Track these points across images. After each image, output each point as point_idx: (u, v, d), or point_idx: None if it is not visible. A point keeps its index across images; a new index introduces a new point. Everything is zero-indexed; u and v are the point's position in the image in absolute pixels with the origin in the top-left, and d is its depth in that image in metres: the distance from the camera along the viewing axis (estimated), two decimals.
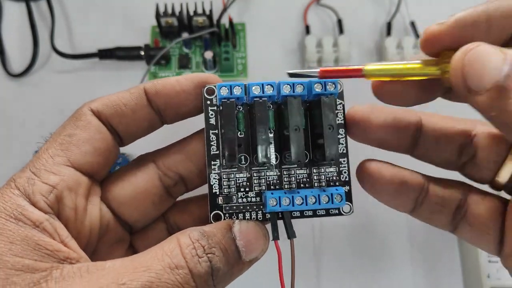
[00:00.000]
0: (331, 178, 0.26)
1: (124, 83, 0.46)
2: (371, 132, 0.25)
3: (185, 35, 0.47)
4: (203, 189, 0.26)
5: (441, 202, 0.25)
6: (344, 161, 0.26)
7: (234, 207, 0.25)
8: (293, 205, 0.23)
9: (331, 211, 0.25)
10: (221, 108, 0.24)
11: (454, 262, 0.40)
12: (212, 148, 0.25)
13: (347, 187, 0.25)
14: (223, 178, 0.25)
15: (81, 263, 0.21)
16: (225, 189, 0.25)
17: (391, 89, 0.24)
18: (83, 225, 0.23)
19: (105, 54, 0.46)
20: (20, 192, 0.21)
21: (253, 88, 0.24)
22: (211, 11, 0.46)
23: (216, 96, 0.25)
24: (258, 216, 0.25)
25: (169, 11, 0.46)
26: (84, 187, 0.24)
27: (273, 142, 0.25)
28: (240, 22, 0.50)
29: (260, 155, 0.24)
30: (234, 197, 0.25)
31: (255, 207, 0.25)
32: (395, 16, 0.49)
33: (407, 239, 0.41)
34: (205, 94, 0.25)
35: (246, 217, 0.24)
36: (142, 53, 0.46)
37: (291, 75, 0.23)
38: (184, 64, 0.47)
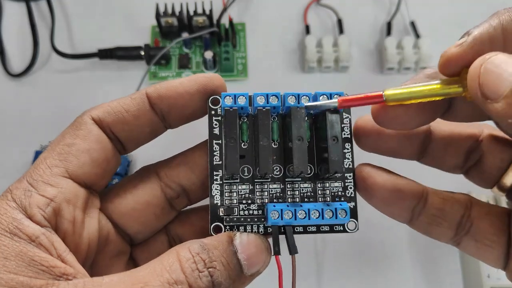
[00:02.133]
0: (336, 193, 0.25)
1: (124, 83, 0.46)
2: (382, 142, 0.25)
3: (185, 35, 0.47)
4: (206, 201, 0.26)
5: (441, 215, 0.24)
6: (350, 176, 0.25)
7: (235, 219, 0.24)
8: (295, 219, 0.23)
9: (336, 228, 0.24)
10: (224, 116, 0.24)
11: (454, 262, 0.40)
12: (215, 159, 0.24)
13: (353, 203, 0.25)
14: (225, 189, 0.24)
15: (77, 279, 0.20)
16: (226, 201, 0.24)
17: (392, 115, 0.23)
18: (81, 238, 0.23)
19: (105, 54, 0.46)
20: (16, 205, 0.21)
21: (258, 98, 0.24)
22: (211, 11, 0.46)
23: (221, 106, 0.24)
24: (260, 230, 0.24)
25: (169, 11, 0.46)
26: (82, 199, 0.23)
27: (277, 154, 0.25)
28: (240, 22, 0.50)
29: (261, 164, 0.23)
30: (236, 209, 0.24)
31: (256, 220, 0.24)
32: (395, 16, 0.49)
33: (407, 240, 0.41)
34: (210, 104, 0.24)
35: (247, 230, 0.24)
36: (142, 53, 0.46)
37: (309, 107, 0.23)
38: (184, 64, 0.47)
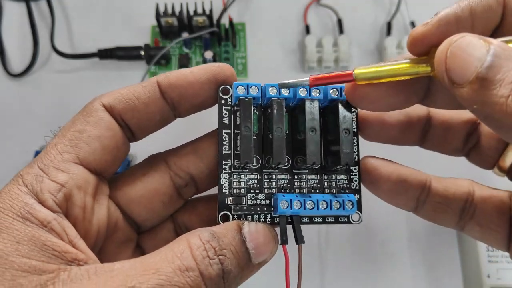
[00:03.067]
0: (341, 185, 0.25)
1: (124, 83, 0.46)
2: (386, 132, 0.26)
3: (185, 35, 0.47)
4: (213, 191, 0.26)
5: (445, 202, 0.25)
6: (355, 169, 0.25)
7: (243, 208, 0.24)
8: (304, 209, 0.23)
9: (340, 219, 0.25)
10: (238, 105, 0.24)
11: (454, 262, 0.40)
12: (224, 148, 0.24)
13: (358, 196, 0.25)
14: (234, 178, 0.24)
15: (89, 264, 0.20)
16: (235, 190, 0.24)
17: (362, 94, 0.23)
18: (91, 224, 0.23)
19: (105, 54, 0.46)
20: (28, 190, 0.21)
21: (270, 89, 0.24)
22: (211, 11, 0.46)
23: (231, 96, 0.25)
24: (267, 220, 0.24)
25: (169, 11, 0.46)
26: (92, 186, 0.23)
27: (286, 145, 0.25)
28: (240, 22, 0.50)
29: (275, 154, 0.23)
30: (244, 198, 0.24)
31: (265, 209, 0.24)
32: (395, 16, 0.49)
33: (407, 240, 0.41)
34: (220, 94, 0.25)
35: (255, 220, 0.24)
36: (142, 53, 0.46)
37: (282, 85, 0.23)
38: (184, 64, 0.47)
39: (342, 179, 0.25)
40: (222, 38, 0.47)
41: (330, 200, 0.23)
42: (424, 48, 0.21)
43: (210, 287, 0.19)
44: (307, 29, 0.49)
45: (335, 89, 0.24)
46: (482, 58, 0.18)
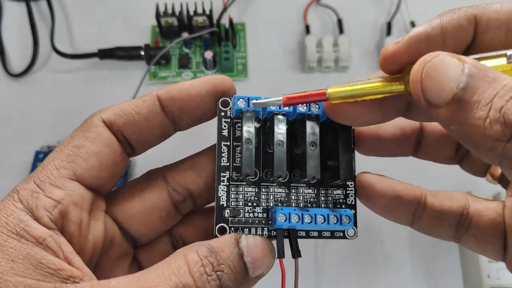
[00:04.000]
0: (337, 200, 0.26)
1: (124, 83, 0.46)
2: (381, 146, 0.26)
3: (185, 35, 0.47)
4: (210, 204, 0.26)
5: (441, 216, 0.25)
6: (351, 184, 0.26)
7: (242, 221, 0.24)
8: (302, 223, 0.23)
9: (336, 233, 0.25)
10: (239, 118, 0.24)
11: (454, 262, 0.40)
12: (223, 160, 0.24)
13: (353, 211, 0.25)
14: (232, 190, 0.24)
15: (85, 282, 0.20)
16: (232, 202, 0.24)
17: (340, 110, 0.23)
18: (86, 240, 0.23)
19: (105, 54, 0.46)
20: (23, 206, 0.20)
21: (271, 113, 0.24)
22: (211, 11, 0.46)
23: (230, 108, 0.25)
24: (264, 233, 0.24)
25: (169, 11, 0.46)
26: (88, 202, 0.23)
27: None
28: (240, 22, 0.50)
29: (276, 167, 0.23)
30: (241, 211, 0.24)
31: (262, 222, 0.24)
32: (395, 16, 0.49)
33: (407, 240, 0.41)
34: (220, 106, 0.25)
35: (252, 233, 0.24)
36: (142, 53, 0.46)
37: (255, 105, 0.23)
38: (184, 64, 0.47)
39: (338, 194, 0.26)
40: (222, 38, 0.47)
41: (328, 215, 0.23)
42: (396, 66, 0.21)
43: None
44: (307, 29, 0.49)
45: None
46: (457, 78, 0.17)
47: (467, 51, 0.21)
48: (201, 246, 0.21)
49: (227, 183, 0.24)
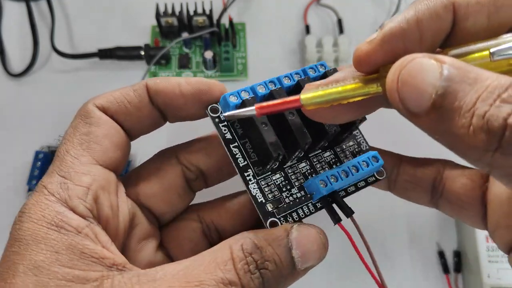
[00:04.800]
0: (353, 150, 0.26)
1: (124, 83, 0.46)
2: None
3: (185, 35, 0.47)
4: (236, 187, 0.27)
5: (413, 180, 0.25)
6: (357, 132, 0.27)
7: (285, 208, 0.24)
8: (342, 179, 0.23)
9: (369, 180, 0.26)
10: (245, 106, 0.24)
11: (460, 270, 0.40)
12: (240, 161, 0.24)
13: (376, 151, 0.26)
14: (262, 185, 0.24)
15: (131, 271, 0.20)
16: (269, 195, 0.24)
17: (320, 113, 0.21)
18: (118, 222, 0.23)
19: (105, 54, 0.46)
20: (56, 198, 0.20)
21: (258, 87, 0.24)
22: (211, 11, 0.46)
23: (221, 112, 0.24)
24: (310, 209, 0.24)
25: (169, 11, 0.46)
26: (113, 184, 0.23)
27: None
28: (240, 22, 0.50)
29: (299, 137, 0.23)
30: (281, 198, 0.24)
31: (304, 199, 0.24)
32: (395, 16, 0.49)
33: (407, 240, 0.41)
34: (211, 113, 0.24)
35: (300, 214, 0.24)
36: (142, 53, 0.46)
37: (228, 117, 0.22)
38: (184, 64, 0.47)
39: (351, 145, 0.26)
40: (222, 38, 0.47)
41: (358, 162, 0.24)
42: (371, 67, 0.20)
43: None
44: (307, 29, 0.49)
45: (312, 69, 0.25)
46: (435, 83, 0.16)
47: (446, 41, 0.20)
48: (247, 240, 0.21)
49: (255, 180, 0.24)
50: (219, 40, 0.47)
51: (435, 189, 0.25)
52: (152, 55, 0.45)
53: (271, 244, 0.21)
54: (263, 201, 0.24)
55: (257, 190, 0.24)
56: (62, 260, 0.19)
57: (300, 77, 0.24)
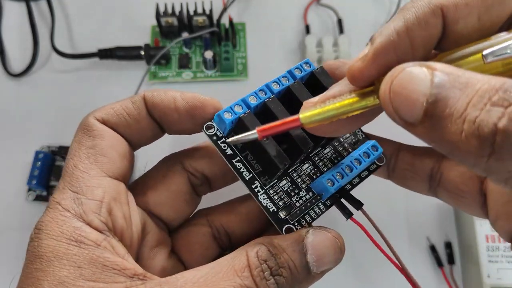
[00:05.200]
0: (351, 142, 0.27)
1: (124, 83, 0.46)
2: None
3: (185, 34, 0.47)
4: (229, 188, 0.27)
5: (412, 169, 0.26)
6: None
7: (298, 213, 0.24)
8: (347, 175, 0.24)
9: (371, 168, 0.26)
10: (239, 126, 0.24)
11: (454, 262, 0.40)
12: (245, 174, 0.24)
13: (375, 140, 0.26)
14: (271, 193, 0.24)
15: (153, 280, 0.20)
16: (279, 203, 0.24)
17: (321, 129, 0.21)
18: (133, 233, 0.23)
19: (105, 53, 0.46)
20: (71, 214, 0.21)
21: (249, 98, 0.24)
22: (211, 10, 0.46)
23: (217, 129, 0.24)
24: (321, 208, 0.25)
25: (169, 10, 0.46)
26: (123, 194, 0.23)
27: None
28: (240, 22, 0.50)
29: (300, 143, 0.23)
30: (292, 204, 0.24)
31: (313, 201, 0.25)
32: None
33: (407, 239, 0.41)
34: (206, 132, 0.24)
35: (312, 215, 0.24)
36: (142, 52, 0.46)
37: (232, 142, 0.22)
38: (184, 63, 0.47)
39: (348, 136, 0.27)
40: (222, 38, 0.47)
41: (359, 155, 0.25)
42: (366, 82, 0.20)
43: None
44: (307, 29, 0.49)
45: (298, 69, 0.26)
46: (426, 91, 0.16)
47: (438, 45, 0.20)
48: (262, 247, 0.21)
49: (263, 190, 0.24)
50: (219, 40, 0.47)
51: (433, 178, 0.25)
52: (152, 55, 0.45)
53: (286, 250, 0.21)
54: (275, 209, 0.24)
55: (267, 201, 0.24)
56: (85, 275, 0.19)
57: (288, 80, 0.25)
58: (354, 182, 0.26)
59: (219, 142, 0.24)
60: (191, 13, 0.46)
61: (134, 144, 0.25)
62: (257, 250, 0.21)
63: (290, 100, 0.25)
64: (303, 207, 0.24)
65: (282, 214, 0.24)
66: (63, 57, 0.46)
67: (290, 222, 0.24)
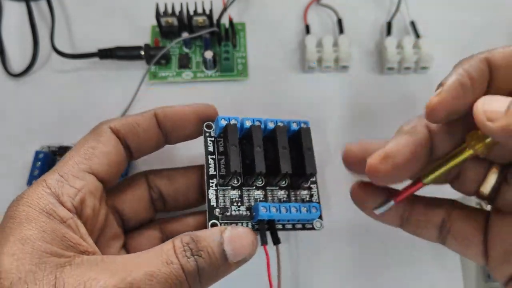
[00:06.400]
0: (304, 198, 0.32)
1: (124, 83, 0.46)
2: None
3: (185, 34, 0.47)
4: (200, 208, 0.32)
5: (425, 219, 0.29)
6: (314, 187, 0.32)
7: (230, 217, 0.29)
8: (280, 212, 0.28)
9: (307, 225, 0.31)
10: (224, 131, 0.30)
11: (454, 262, 0.40)
12: (210, 169, 0.30)
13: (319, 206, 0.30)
14: (219, 194, 0.30)
15: (97, 255, 0.25)
16: (221, 203, 0.29)
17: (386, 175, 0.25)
18: (96, 222, 0.28)
19: (105, 53, 0.46)
20: (51, 192, 0.25)
21: (246, 121, 0.30)
22: (211, 10, 0.46)
23: (213, 130, 0.31)
24: (249, 226, 0.29)
25: (169, 10, 0.46)
26: (100, 192, 0.28)
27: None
28: (240, 22, 0.50)
29: (257, 164, 0.28)
30: (229, 209, 0.29)
31: (247, 217, 0.29)
32: (395, 16, 0.49)
33: (407, 239, 0.41)
34: (205, 128, 0.31)
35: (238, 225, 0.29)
36: (142, 52, 0.46)
37: (380, 213, 0.28)
38: (184, 64, 0.47)
39: (305, 194, 0.32)
40: (222, 38, 0.47)
41: (299, 206, 0.29)
42: (440, 115, 0.24)
43: (188, 278, 0.24)
44: (307, 29, 0.49)
45: (295, 123, 0.31)
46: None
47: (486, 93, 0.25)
48: (186, 236, 0.25)
49: (216, 188, 0.30)
50: (219, 40, 0.47)
51: (443, 227, 0.28)
52: (152, 55, 0.45)
53: (206, 239, 0.25)
54: (214, 205, 0.29)
55: (213, 196, 0.29)
56: (46, 238, 0.23)
57: (284, 123, 0.31)
58: (287, 227, 0.30)
59: (208, 139, 0.31)
60: (191, 13, 0.46)
61: (136, 153, 0.31)
62: (181, 237, 0.25)
63: (272, 137, 0.31)
64: (236, 218, 0.29)
65: (217, 212, 0.29)
66: (63, 57, 0.46)
67: (218, 220, 0.29)
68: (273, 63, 0.48)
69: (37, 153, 0.42)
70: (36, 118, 0.45)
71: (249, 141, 0.29)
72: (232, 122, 0.30)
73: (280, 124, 0.30)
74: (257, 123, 0.30)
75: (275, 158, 0.29)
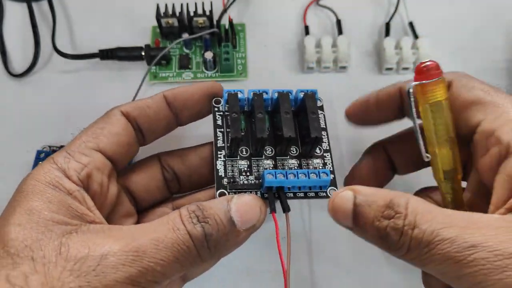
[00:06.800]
0: (317, 167, 0.30)
1: (125, 83, 0.47)
2: (369, 115, 0.34)
3: (185, 35, 0.47)
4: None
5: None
6: (327, 155, 0.31)
7: (238, 187, 0.29)
8: (286, 178, 0.27)
9: (320, 193, 0.29)
10: (227, 99, 0.30)
11: None
12: (219, 142, 0.30)
13: (332, 176, 0.30)
14: (228, 164, 0.29)
15: (103, 224, 0.26)
16: (229, 173, 0.29)
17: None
18: (106, 198, 0.28)
19: (106, 54, 0.46)
20: (57, 167, 0.26)
21: (252, 93, 0.31)
22: (211, 11, 0.46)
23: (222, 105, 0.31)
24: (257, 194, 0.28)
25: (170, 11, 0.46)
26: (108, 169, 0.28)
27: (269, 140, 0.31)
28: (240, 22, 0.50)
29: (258, 129, 0.28)
30: (237, 179, 0.29)
31: (256, 186, 0.29)
32: (394, 17, 0.49)
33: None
34: (213, 103, 0.32)
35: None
36: (143, 53, 0.46)
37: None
38: (185, 64, 0.47)
39: (318, 162, 0.30)
40: (222, 38, 0.47)
41: (308, 172, 0.28)
42: (352, 120, 0.34)
43: (196, 243, 0.24)
44: (307, 30, 0.49)
45: (302, 92, 0.31)
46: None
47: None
48: (192, 205, 0.25)
49: (224, 159, 0.30)
50: (219, 41, 0.47)
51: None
52: (152, 56, 0.46)
53: (213, 207, 0.25)
54: (222, 175, 0.29)
55: (221, 166, 0.29)
56: (52, 208, 0.24)
57: (290, 96, 0.31)
58: (298, 195, 0.29)
59: (217, 113, 0.31)
60: (191, 14, 0.46)
61: (148, 135, 0.31)
62: (188, 206, 0.25)
63: (275, 105, 0.31)
64: (244, 187, 0.29)
65: (225, 181, 0.29)
66: (64, 58, 0.47)
67: (226, 190, 0.28)
68: (273, 64, 0.48)
69: (39, 152, 0.42)
70: (38, 118, 0.45)
71: (253, 110, 0.30)
72: (238, 94, 0.30)
73: (283, 92, 0.31)
74: (259, 92, 0.30)
75: (280, 123, 0.29)
